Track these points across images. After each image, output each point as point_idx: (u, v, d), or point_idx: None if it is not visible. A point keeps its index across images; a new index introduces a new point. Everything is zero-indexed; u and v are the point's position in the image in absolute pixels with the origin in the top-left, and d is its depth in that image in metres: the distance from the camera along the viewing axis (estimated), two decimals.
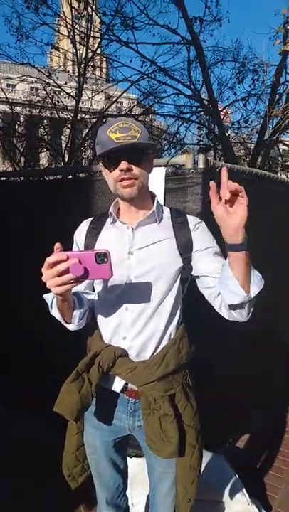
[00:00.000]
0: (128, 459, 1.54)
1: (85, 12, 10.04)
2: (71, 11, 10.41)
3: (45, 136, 11.44)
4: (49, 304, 1.26)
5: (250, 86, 8.62)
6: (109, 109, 11.34)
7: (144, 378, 1.25)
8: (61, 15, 10.60)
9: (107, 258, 1.06)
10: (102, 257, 1.05)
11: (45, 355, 2.58)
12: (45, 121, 11.80)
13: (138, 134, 1.18)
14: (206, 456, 2.04)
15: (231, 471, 2.10)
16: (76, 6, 10.60)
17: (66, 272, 1.04)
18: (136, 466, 1.90)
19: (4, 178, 4.02)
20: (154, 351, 1.28)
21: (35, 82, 11.06)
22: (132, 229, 1.29)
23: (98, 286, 1.33)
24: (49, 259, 1.04)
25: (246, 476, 2.14)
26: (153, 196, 1.34)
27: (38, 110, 11.49)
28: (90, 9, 9.80)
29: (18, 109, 12.12)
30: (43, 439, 2.37)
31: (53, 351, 2.41)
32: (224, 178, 1.04)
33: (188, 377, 1.36)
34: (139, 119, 10.32)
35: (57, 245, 1.07)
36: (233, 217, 1.04)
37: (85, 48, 10.02)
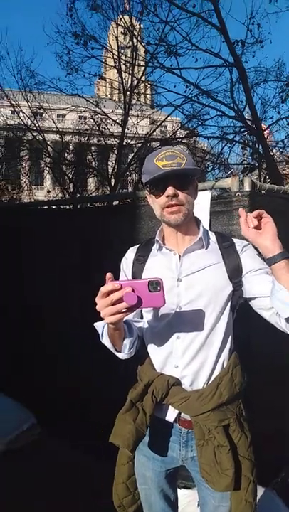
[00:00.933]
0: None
1: (130, 43, 10.50)
2: (117, 42, 10.93)
3: (93, 163, 11.88)
4: (100, 332, 1.27)
5: None
6: (154, 133, 11.61)
7: (198, 408, 1.23)
8: (108, 47, 11.13)
9: (160, 286, 1.06)
10: (155, 286, 1.06)
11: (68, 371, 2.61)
12: (92, 148, 12.27)
13: (184, 161, 1.20)
14: (258, 491, 1.94)
15: (284, 507, 1.99)
16: (122, 38, 11.12)
17: (120, 300, 1.06)
18: (184, 498, 1.84)
19: (54, 206, 4.22)
20: (207, 380, 1.26)
21: (84, 111, 11.61)
22: (180, 256, 1.29)
23: (147, 314, 1.33)
24: (103, 289, 1.07)
25: None
26: (198, 222, 1.34)
27: (86, 138, 11.99)
28: (134, 40, 10.23)
29: (67, 137, 12.72)
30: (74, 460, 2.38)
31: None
32: (242, 214, 1.18)
33: (242, 407, 1.32)
34: (183, 141, 10.47)
35: (108, 275, 1.09)
36: (264, 235, 1.13)
37: (130, 76, 10.43)
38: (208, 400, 1.23)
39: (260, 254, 1.24)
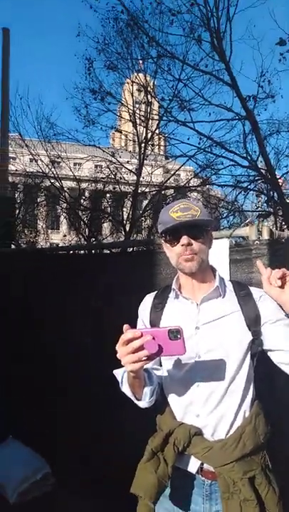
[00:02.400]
0: None
1: (145, 98, 11.12)
2: (132, 98, 11.60)
3: (108, 209, 12.21)
4: (119, 380, 1.28)
5: None
6: (168, 182, 11.98)
7: (222, 459, 1.20)
8: (123, 102, 11.79)
9: (180, 334, 1.07)
10: (176, 334, 1.07)
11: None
12: (108, 195, 12.68)
13: (198, 213, 1.25)
14: None
15: None
16: (137, 94, 11.82)
17: (140, 348, 1.07)
18: None
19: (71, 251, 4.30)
20: (229, 430, 1.24)
21: (100, 160, 12.12)
22: (197, 304, 1.31)
23: (167, 363, 1.33)
24: (124, 337, 1.08)
25: None
26: (214, 270, 1.37)
27: (102, 185, 12.43)
28: (149, 96, 10.84)
29: (84, 185, 13.21)
30: None
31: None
32: (262, 270, 1.23)
33: (267, 459, 1.28)
34: (197, 189, 10.75)
35: (126, 326, 1.11)
36: (288, 293, 1.16)
37: (144, 128, 10.95)
38: (231, 450, 1.20)
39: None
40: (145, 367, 1.22)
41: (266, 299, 1.30)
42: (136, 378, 1.17)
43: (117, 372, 1.28)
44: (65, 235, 15.43)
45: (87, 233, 11.82)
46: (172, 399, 1.31)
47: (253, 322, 1.27)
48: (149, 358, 1.08)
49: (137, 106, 11.71)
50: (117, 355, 1.09)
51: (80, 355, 2.89)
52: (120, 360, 1.10)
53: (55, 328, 3.10)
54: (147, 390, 1.23)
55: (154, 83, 11.48)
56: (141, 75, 11.28)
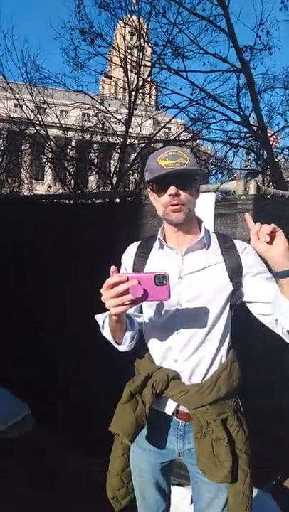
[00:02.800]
0: None
1: (137, 43, 10.51)
2: (124, 42, 10.94)
3: (95, 160, 11.87)
4: (100, 324, 1.30)
5: None
6: (158, 135, 11.63)
7: (197, 401, 1.26)
8: (114, 46, 11.13)
9: (166, 280, 1.08)
10: (161, 280, 1.08)
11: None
12: (95, 145, 12.28)
13: (187, 161, 1.22)
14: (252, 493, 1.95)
15: (279, 510, 1.99)
16: (129, 37, 11.14)
17: (125, 292, 1.08)
18: (177, 495, 1.85)
19: (55, 200, 4.20)
20: (205, 375, 1.29)
21: (88, 108, 11.60)
22: (181, 254, 1.31)
23: (148, 309, 1.35)
24: (109, 280, 1.08)
25: None
26: (200, 222, 1.37)
27: (89, 135, 11.98)
28: (142, 40, 10.25)
29: (70, 134, 12.71)
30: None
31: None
32: (251, 224, 1.17)
33: (239, 403, 1.35)
34: (187, 144, 10.49)
35: (113, 268, 1.11)
36: (275, 249, 1.13)
37: (136, 76, 10.44)
38: (207, 393, 1.26)
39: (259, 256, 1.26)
40: (127, 312, 1.24)
41: (249, 252, 1.32)
42: (118, 322, 1.19)
43: (98, 317, 1.30)
44: (49, 186, 15.02)
45: (72, 185, 11.55)
46: (152, 344, 1.35)
47: (235, 274, 1.29)
48: (134, 302, 1.09)
49: (129, 51, 11.08)
50: (102, 298, 1.10)
51: (66, 304, 2.92)
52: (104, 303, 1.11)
53: (42, 278, 3.11)
54: (128, 335, 1.25)
55: (147, 27, 10.83)
56: (134, 17, 10.57)
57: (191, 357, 1.28)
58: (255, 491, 2.00)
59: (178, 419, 1.32)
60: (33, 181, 16.58)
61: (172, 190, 1.22)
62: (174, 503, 1.71)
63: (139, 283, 1.07)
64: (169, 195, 1.23)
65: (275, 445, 2.23)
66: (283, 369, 2.06)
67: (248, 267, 1.30)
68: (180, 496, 1.85)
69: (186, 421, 1.31)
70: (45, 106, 11.89)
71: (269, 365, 2.17)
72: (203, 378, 1.29)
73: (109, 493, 1.43)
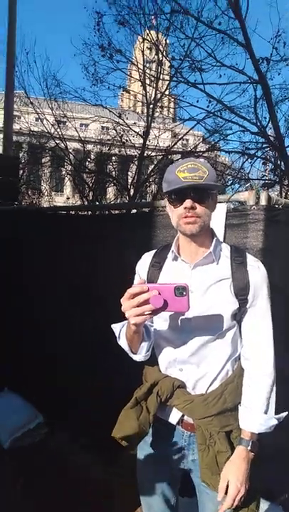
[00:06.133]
0: None
1: (156, 57, 10.68)
2: (143, 56, 11.14)
3: (113, 172, 12.02)
4: (117, 334, 1.32)
5: None
6: (175, 147, 11.71)
7: (202, 412, 1.26)
8: (133, 61, 11.34)
9: (186, 291, 1.10)
10: (181, 291, 1.10)
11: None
12: (113, 158, 12.44)
13: (205, 174, 1.23)
14: (263, 505, 1.92)
15: None
16: (147, 52, 11.33)
17: (146, 303, 1.10)
18: (183, 505, 1.83)
19: (73, 212, 4.29)
20: (209, 386, 1.29)
21: (107, 121, 11.81)
22: (191, 268, 1.32)
23: (157, 319, 1.36)
24: (131, 290, 1.11)
25: None
26: (213, 235, 1.36)
27: (107, 148, 12.16)
28: (160, 55, 10.41)
29: (89, 146, 12.93)
30: None
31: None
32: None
33: None
34: (204, 155, 10.53)
35: (141, 279, 1.16)
36: None
37: (154, 89, 10.59)
38: (212, 404, 1.26)
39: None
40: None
41: (259, 273, 1.31)
42: (136, 333, 1.21)
43: (115, 327, 1.33)
44: (68, 198, 15.26)
45: (90, 197, 11.70)
46: (159, 353, 1.36)
47: (242, 290, 1.28)
48: (153, 312, 1.11)
49: (147, 65, 11.27)
50: (122, 308, 1.12)
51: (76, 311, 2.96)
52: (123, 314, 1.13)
53: (48, 285, 3.16)
54: (144, 345, 1.27)
55: (166, 41, 11.00)
56: (153, 32, 10.77)
57: (197, 368, 1.29)
58: (266, 504, 1.97)
59: (182, 429, 1.32)
60: (53, 193, 16.89)
61: (188, 203, 1.23)
62: None
63: (159, 293, 1.09)
64: (185, 207, 1.23)
65: (287, 457, 2.19)
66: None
67: (254, 288, 1.29)
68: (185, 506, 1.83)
69: (190, 431, 1.31)
70: (65, 120, 12.17)
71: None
72: (207, 390, 1.29)
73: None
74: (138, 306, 1.10)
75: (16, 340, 3.35)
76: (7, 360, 3.21)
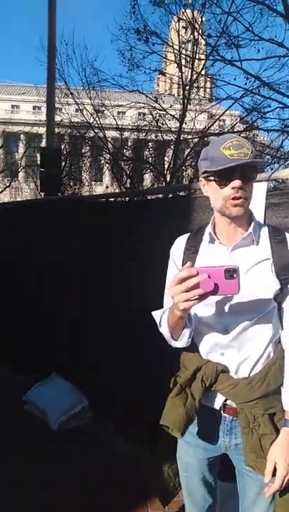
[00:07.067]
0: None
1: (192, 37, 10.41)
2: (178, 37, 10.88)
3: (150, 158, 11.98)
4: (158, 321, 1.30)
5: None
6: (212, 128, 11.43)
7: (246, 396, 1.23)
8: (169, 42, 11.12)
9: (236, 274, 1.06)
10: (232, 273, 1.05)
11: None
12: (150, 143, 12.37)
13: (249, 151, 1.16)
14: None
15: None
16: (183, 32, 11.06)
17: (195, 287, 1.06)
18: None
19: (112, 199, 4.31)
20: (252, 369, 1.26)
21: (143, 107, 11.72)
22: (230, 250, 1.27)
23: (197, 304, 1.33)
24: (179, 275, 1.07)
25: None
26: (252, 216, 1.30)
27: (144, 134, 12.10)
28: (196, 33, 10.13)
29: (126, 134, 12.92)
30: None
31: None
32: None
33: None
34: (242, 135, 10.21)
35: (188, 264, 1.12)
36: None
37: (190, 70, 10.35)
38: (256, 387, 1.22)
39: None
40: None
41: None
42: (181, 318, 1.18)
43: (156, 314, 1.30)
44: (107, 187, 15.42)
45: (128, 184, 11.75)
46: (199, 338, 1.33)
47: (283, 270, 1.23)
48: (202, 297, 1.07)
49: (183, 46, 10.99)
50: (170, 294, 1.10)
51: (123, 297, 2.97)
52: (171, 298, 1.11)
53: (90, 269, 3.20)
54: (186, 331, 1.24)
55: (201, 19, 10.67)
56: (188, 11, 10.47)
57: (238, 352, 1.26)
58: None
59: (225, 414, 1.30)
60: (93, 183, 17.14)
61: (237, 183, 1.15)
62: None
63: (209, 277, 1.05)
64: (233, 187, 1.17)
65: None
66: None
67: None
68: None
69: (233, 416, 1.28)
70: (103, 108, 12.22)
71: None
72: (250, 373, 1.26)
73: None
74: (187, 291, 1.06)
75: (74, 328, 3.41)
76: (63, 347, 3.31)
